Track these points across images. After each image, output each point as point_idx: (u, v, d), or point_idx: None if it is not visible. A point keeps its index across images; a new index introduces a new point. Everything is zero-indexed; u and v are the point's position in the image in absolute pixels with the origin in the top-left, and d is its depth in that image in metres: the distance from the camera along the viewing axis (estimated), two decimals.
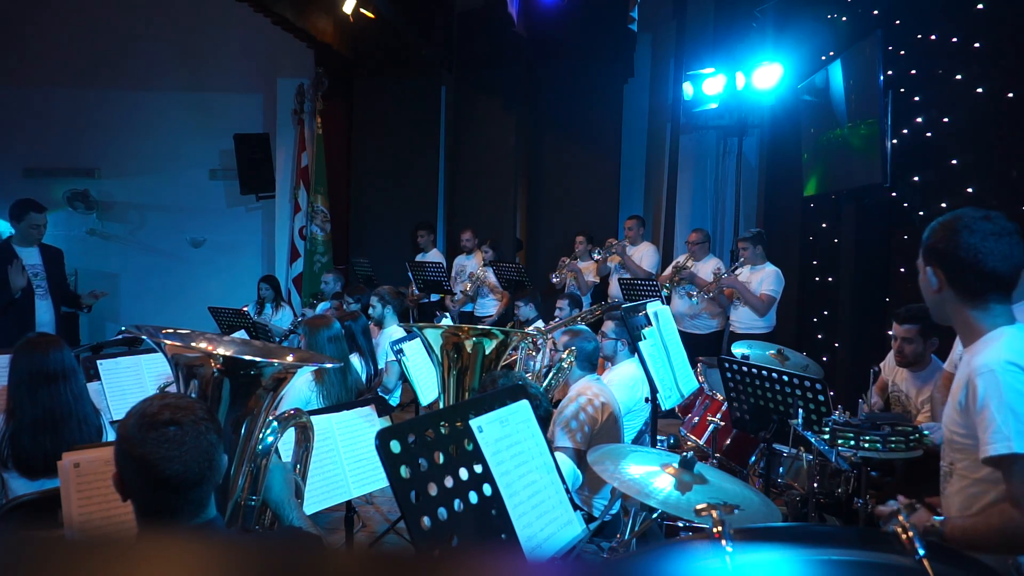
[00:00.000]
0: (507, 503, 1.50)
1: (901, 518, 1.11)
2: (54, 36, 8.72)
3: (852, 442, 2.71)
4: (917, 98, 4.77)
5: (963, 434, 1.69)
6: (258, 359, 1.87)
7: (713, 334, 6.11)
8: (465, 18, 7.78)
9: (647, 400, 3.17)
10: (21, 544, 0.42)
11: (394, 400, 4.85)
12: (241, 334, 5.65)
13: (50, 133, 8.94)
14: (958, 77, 4.32)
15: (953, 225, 1.71)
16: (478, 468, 1.48)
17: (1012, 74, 3.95)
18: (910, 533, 1.08)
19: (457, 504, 1.40)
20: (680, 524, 2.81)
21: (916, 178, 4.77)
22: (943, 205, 4.31)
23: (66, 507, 1.85)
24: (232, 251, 9.19)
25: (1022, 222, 1.75)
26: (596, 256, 6.76)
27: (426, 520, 1.32)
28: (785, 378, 3.11)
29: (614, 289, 6.58)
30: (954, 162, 4.38)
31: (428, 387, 4.14)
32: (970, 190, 4.15)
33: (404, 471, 1.32)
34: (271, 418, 1.90)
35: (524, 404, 1.70)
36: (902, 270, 4.80)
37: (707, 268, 6.04)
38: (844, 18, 5.87)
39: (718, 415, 3.94)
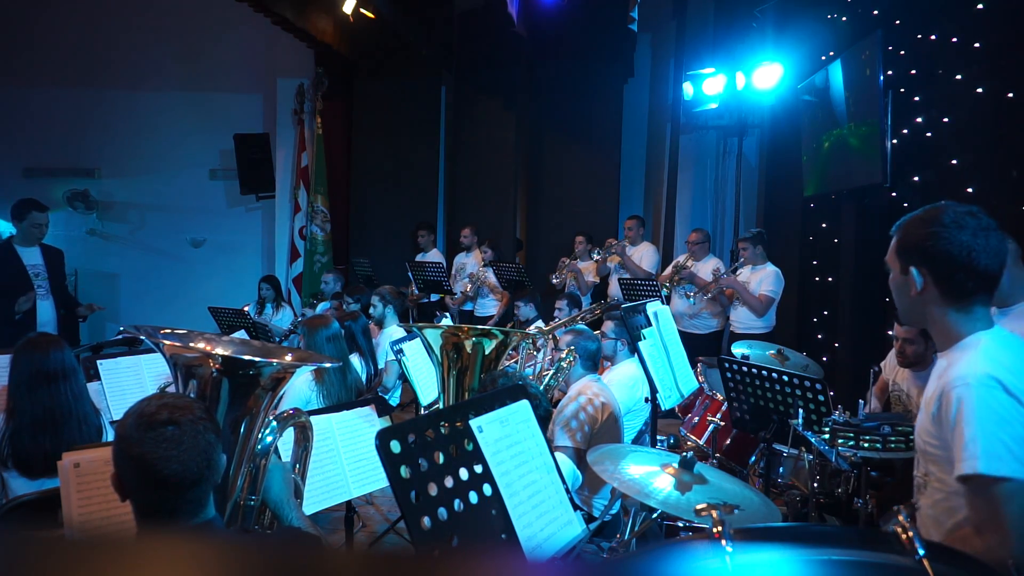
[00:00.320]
0: (507, 503, 1.50)
1: (901, 518, 1.11)
2: (54, 36, 8.72)
3: (852, 442, 2.71)
4: (917, 98, 4.77)
5: (936, 445, 1.60)
6: (257, 359, 1.87)
7: (713, 334, 6.11)
8: (465, 18, 7.78)
9: (647, 400, 3.16)
10: (21, 544, 0.42)
11: (394, 400, 4.85)
12: (241, 334, 5.65)
13: (50, 133, 8.94)
14: (958, 77, 4.31)
15: (938, 220, 1.58)
16: (478, 468, 1.48)
17: (1012, 74, 3.94)
18: (910, 533, 1.08)
19: (457, 504, 1.40)
20: (680, 524, 2.81)
21: (916, 178, 4.77)
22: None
23: (66, 507, 1.85)
24: (232, 251, 9.19)
25: (1022, 222, 1.73)
26: (596, 256, 6.76)
27: (426, 520, 1.32)
28: (785, 378, 3.11)
29: (614, 289, 6.58)
30: (954, 162, 4.38)
31: (428, 387, 4.14)
32: (970, 190, 4.15)
33: (404, 471, 1.32)
34: (270, 418, 1.90)
35: (524, 404, 1.70)
36: None
37: (707, 268, 6.04)
38: (844, 18, 5.87)
39: (718, 415, 3.94)
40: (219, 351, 1.82)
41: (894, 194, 4.98)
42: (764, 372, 3.17)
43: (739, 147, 8.01)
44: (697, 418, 4.12)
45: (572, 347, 3.41)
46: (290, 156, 8.82)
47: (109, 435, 2.78)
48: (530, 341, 3.72)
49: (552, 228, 7.97)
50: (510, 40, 7.19)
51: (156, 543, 0.43)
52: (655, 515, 2.04)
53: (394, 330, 4.96)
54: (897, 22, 4.99)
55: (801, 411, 2.81)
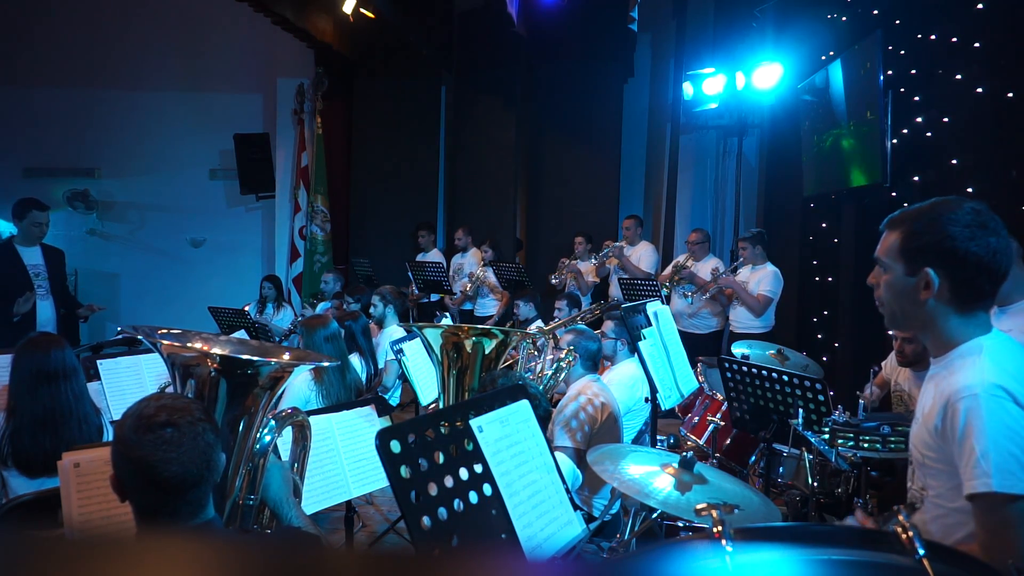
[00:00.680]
0: (507, 503, 1.50)
1: (901, 518, 1.11)
2: (54, 36, 8.72)
3: (852, 442, 2.71)
4: (917, 98, 4.77)
5: (935, 458, 1.51)
6: (255, 358, 1.87)
7: (713, 334, 6.11)
8: (465, 18, 7.78)
9: (647, 400, 3.16)
10: (21, 544, 0.42)
11: (394, 400, 4.85)
12: (241, 334, 5.66)
13: (50, 133, 8.94)
14: (958, 77, 4.32)
15: (959, 219, 1.45)
16: (478, 468, 1.48)
17: (1012, 74, 3.95)
18: (910, 533, 1.08)
19: (457, 504, 1.40)
20: (680, 524, 2.81)
21: (916, 178, 4.77)
22: None
23: (66, 507, 1.85)
24: (232, 251, 9.19)
25: (1022, 222, 1.70)
26: (594, 261, 6.78)
27: (426, 520, 1.32)
28: (785, 378, 3.11)
29: (614, 290, 6.59)
30: (954, 162, 4.38)
31: (428, 387, 4.14)
32: (970, 190, 4.15)
33: (404, 471, 1.32)
34: (269, 417, 1.90)
35: (524, 404, 1.70)
36: None
37: (707, 268, 6.05)
38: (844, 18, 5.87)
39: (718, 415, 3.94)
40: (217, 351, 1.82)
41: (894, 194, 4.98)
42: (764, 372, 3.17)
43: (739, 147, 8.01)
44: (697, 418, 4.11)
45: (572, 347, 3.41)
46: (290, 156, 8.82)
47: (109, 435, 2.78)
48: (530, 341, 3.72)
49: (552, 228, 7.97)
50: (510, 40, 7.19)
51: (156, 543, 0.43)
52: (655, 515, 2.04)
53: (394, 330, 4.96)
54: (897, 22, 4.99)
55: (801, 411, 2.81)
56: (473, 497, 1.44)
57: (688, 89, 7.63)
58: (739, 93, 7.39)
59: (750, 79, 7.09)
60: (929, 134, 4.64)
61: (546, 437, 1.80)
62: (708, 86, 7.44)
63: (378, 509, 4.32)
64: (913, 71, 4.84)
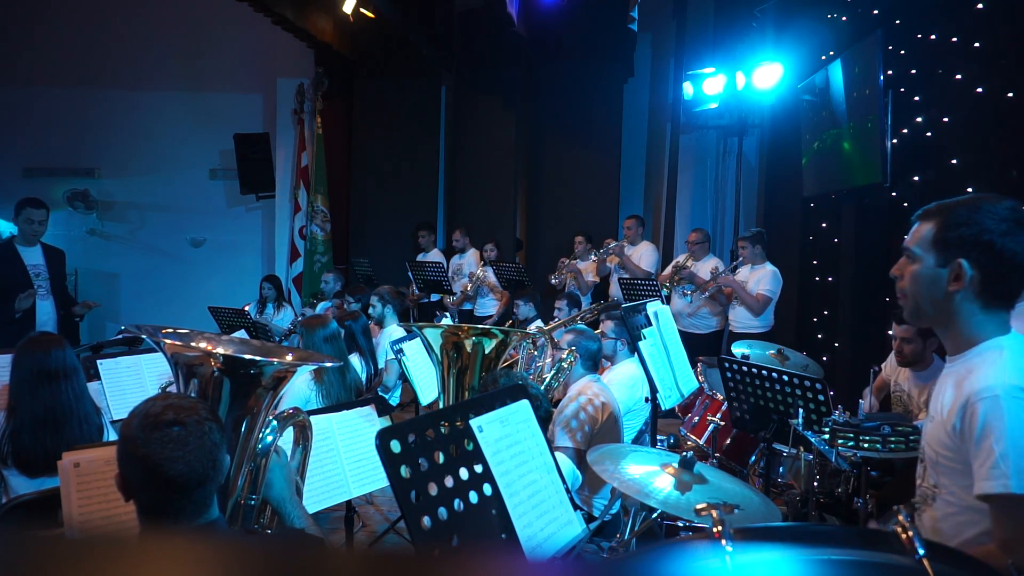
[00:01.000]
0: (507, 503, 1.50)
1: (901, 518, 1.11)
2: (54, 36, 8.72)
3: (852, 442, 2.71)
4: (917, 98, 4.77)
5: (951, 457, 1.51)
6: (258, 358, 1.87)
7: (713, 334, 6.11)
8: (465, 18, 7.78)
9: (647, 400, 3.16)
10: (21, 544, 0.42)
11: (394, 400, 4.85)
12: (241, 334, 5.66)
13: (50, 133, 8.95)
14: (958, 77, 4.32)
15: (1000, 215, 1.45)
16: (478, 468, 1.48)
17: (1012, 74, 3.95)
18: (910, 533, 1.08)
19: (457, 504, 1.40)
20: (680, 524, 2.81)
21: (916, 178, 4.77)
22: None
23: (66, 507, 1.85)
24: (232, 251, 9.19)
25: None
26: (593, 257, 6.77)
27: (426, 520, 1.32)
28: (785, 378, 3.11)
29: (614, 289, 6.59)
30: (954, 162, 4.39)
31: (428, 387, 4.14)
32: (970, 190, 4.15)
33: (404, 471, 1.32)
34: (270, 417, 1.90)
35: (524, 404, 1.70)
36: None
37: (707, 268, 6.05)
38: (844, 18, 5.87)
39: (718, 415, 3.94)
40: (220, 350, 1.82)
41: (894, 194, 4.98)
42: (764, 372, 3.17)
43: (739, 147, 8.01)
44: (697, 418, 4.11)
45: (573, 347, 3.41)
46: (290, 156, 8.82)
47: (110, 435, 2.78)
48: (530, 341, 3.72)
49: (552, 228, 7.98)
50: (510, 40, 7.19)
51: (158, 543, 0.43)
52: (655, 515, 2.04)
53: (394, 330, 4.96)
54: (897, 22, 4.99)
55: (801, 411, 2.81)
56: (473, 497, 1.44)
57: (688, 89, 7.63)
58: (739, 93, 7.39)
59: (750, 79, 7.09)
60: (929, 134, 4.65)
61: (546, 437, 1.80)
62: (708, 86, 7.44)
63: (378, 509, 4.32)
64: (913, 71, 4.84)
